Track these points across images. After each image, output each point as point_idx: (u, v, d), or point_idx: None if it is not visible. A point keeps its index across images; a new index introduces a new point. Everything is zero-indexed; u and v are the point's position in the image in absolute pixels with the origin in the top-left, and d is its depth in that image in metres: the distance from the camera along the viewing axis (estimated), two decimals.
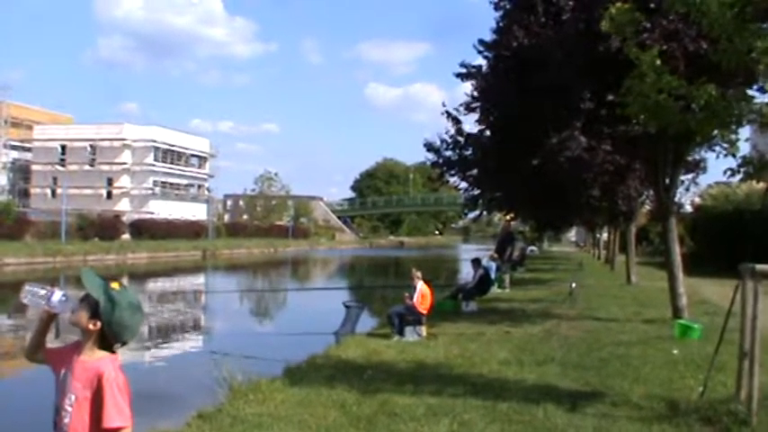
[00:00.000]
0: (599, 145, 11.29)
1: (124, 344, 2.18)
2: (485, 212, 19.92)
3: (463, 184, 16.52)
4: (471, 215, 20.81)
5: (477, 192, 16.73)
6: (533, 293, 17.03)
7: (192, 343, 13.87)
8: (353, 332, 11.25)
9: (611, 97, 8.86)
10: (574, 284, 14.01)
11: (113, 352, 2.14)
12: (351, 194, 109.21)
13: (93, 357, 2.09)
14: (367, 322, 12.92)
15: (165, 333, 14.83)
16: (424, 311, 10.30)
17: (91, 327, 2.12)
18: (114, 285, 2.16)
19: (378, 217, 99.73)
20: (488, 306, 14.15)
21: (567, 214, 21.36)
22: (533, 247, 51.84)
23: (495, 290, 16.82)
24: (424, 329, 10.21)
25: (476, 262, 15.32)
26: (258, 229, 67.47)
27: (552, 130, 11.26)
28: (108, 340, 2.11)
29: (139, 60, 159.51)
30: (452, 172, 15.52)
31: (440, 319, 11.63)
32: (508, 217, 22.40)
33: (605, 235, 37.52)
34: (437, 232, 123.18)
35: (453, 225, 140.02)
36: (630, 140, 10.63)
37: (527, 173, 12.50)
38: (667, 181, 10.87)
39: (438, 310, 12.14)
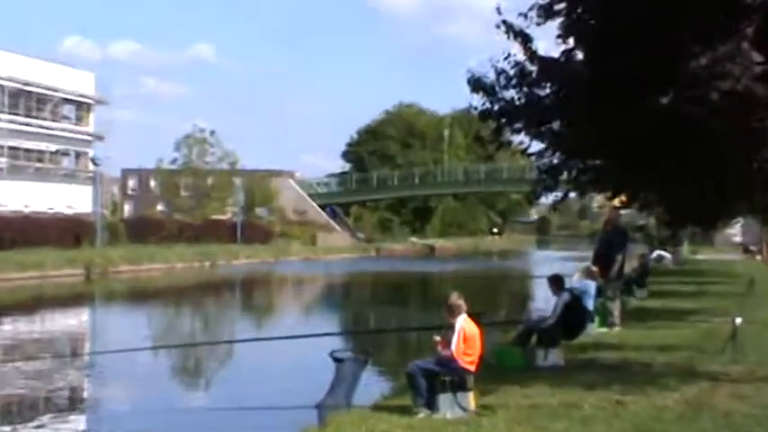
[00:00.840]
0: None
1: None
2: (573, 194, 20.15)
3: (536, 146, 16.62)
4: (550, 198, 20.81)
5: (559, 158, 16.93)
6: (663, 335, 17.21)
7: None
8: (350, 404, 11.45)
9: None
10: (739, 320, 13.85)
11: None
12: (343, 166, 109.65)
13: None
14: (373, 386, 13.27)
15: (20, 414, 14.97)
16: (471, 367, 10.55)
17: None
18: None
19: (389, 204, 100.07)
20: (583, 357, 14.41)
21: (723, 196, 20.61)
22: (664, 253, 52.28)
23: (593, 329, 17.16)
24: (470, 398, 10.40)
25: (557, 281, 15.55)
26: (183, 229, 68.08)
27: (697, 44, 11.22)
28: None
29: None
30: (517, 125, 15.65)
31: (498, 379, 11.93)
32: (616, 202, 22.56)
33: None
34: (493, 231, 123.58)
35: (520, 218, 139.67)
36: None
37: (650, 121, 12.64)
38: None
39: (495, 366, 12.56)
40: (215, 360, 22.07)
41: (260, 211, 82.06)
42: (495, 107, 15.58)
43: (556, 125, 15.80)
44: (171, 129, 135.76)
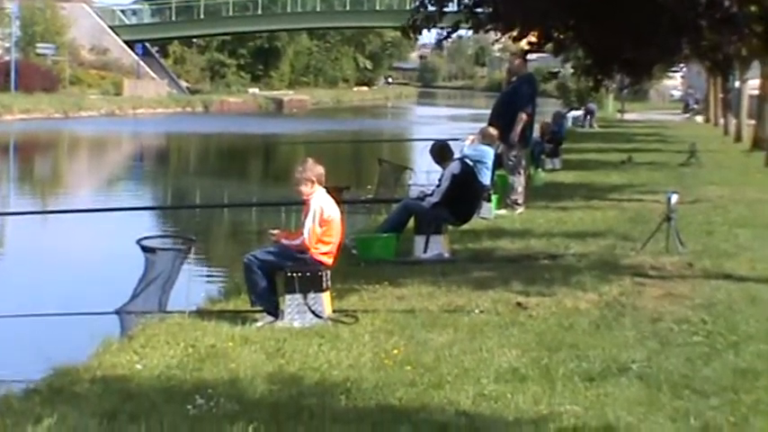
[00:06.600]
0: None
1: None
2: (465, 31, 19.45)
3: None
4: (433, 35, 19.68)
5: None
6: (579, 218, 16.45)
7: None
8: (163, 307, 10.21)
9: None
10: (675, 197, 12.96)
11: None
12: None
13: None
14: (197, 285, 12.22)
15: None
16: (328, 259, 9.73)
17: None
18: None
19: (222, 43, 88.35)
20: (475, 247, 13.69)
21: (655, 32, 18.83)
22: (583, 109, 50.41)
23: (490, 210, 16.01)
24: (326, 301, 9.59)
25: (441, 152, 13.96)
26: None
27: None
28: None
29: None
30: None
31: (364, 276, 11.41)
32: (524, 44, 21.18)
33: (754, 83, 35.95)
34: (363, 85, 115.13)
35: (397, 64, 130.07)
36: None
37: None
38: None
39: (359, 259, 12.22)
40: None
41: (43, 48, 67.14)
42: None
43: None
44: None
